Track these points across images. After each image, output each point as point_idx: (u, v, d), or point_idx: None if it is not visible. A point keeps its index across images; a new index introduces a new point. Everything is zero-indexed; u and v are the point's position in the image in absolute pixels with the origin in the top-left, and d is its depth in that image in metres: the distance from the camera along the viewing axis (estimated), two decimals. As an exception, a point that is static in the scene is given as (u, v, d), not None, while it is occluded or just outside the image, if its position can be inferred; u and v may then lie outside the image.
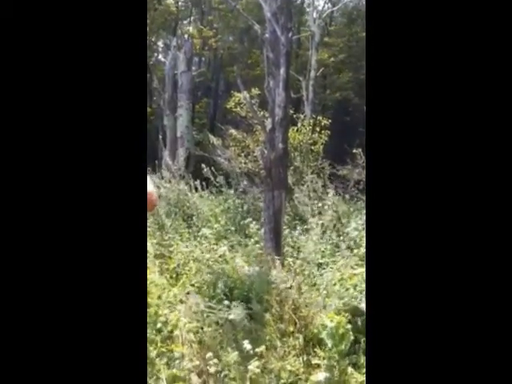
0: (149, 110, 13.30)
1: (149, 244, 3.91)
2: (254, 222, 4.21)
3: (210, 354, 2.01)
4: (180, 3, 14.55)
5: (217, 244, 4.14)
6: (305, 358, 2.46)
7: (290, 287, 2.67)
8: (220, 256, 3.38)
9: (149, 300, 2.38)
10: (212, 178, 6.66)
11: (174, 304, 2.56)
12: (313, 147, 6.49)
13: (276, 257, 3.49)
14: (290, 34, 3.88)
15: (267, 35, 3.90)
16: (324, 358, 2.20)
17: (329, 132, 6.79)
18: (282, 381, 2.27)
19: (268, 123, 4.07)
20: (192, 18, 15.16)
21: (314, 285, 3.28)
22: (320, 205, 4.84)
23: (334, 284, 3.02)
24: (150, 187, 1.33)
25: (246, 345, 2.14)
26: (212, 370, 1.92)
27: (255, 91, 6.51)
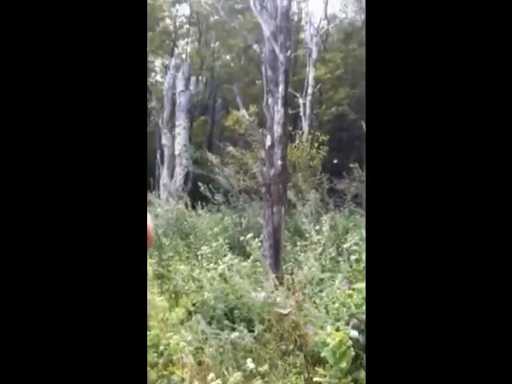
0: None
1: (147, 264, 3.88)
2: (254, 240, 4.19)
3: (212, 375, 1.97)
4: (177, 23, 14.78)
5: (216, 263, 4.11)
6: (306, 376, 2.42)
7: (288, 313, 2.64)
8: (220, 275, 3.35)
9: (150, 323, 2.35)
10: (210, 196, 6.65)
11: (175, 325, 2.52)
12: (311, 163, 6.51)
13: (275, 274, 3.46)
14: (289, 53, 3.93)
15: (266, 54, 3.95)
16: (325, 376, 2.16)
17: (327, 148, 6.82)
18: (284, 401, 2.23)
19: (267, 140, 4.09)
20: (189, 38, 15.37)
21: (314, 302, 3.25)
22: (319, 220, 4.83)
23: (334, 302, 2.99)
24: (148, 221, 1.27)
25: (250, 364, 2.10)
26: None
27: (253, 109, 6.56)
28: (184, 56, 14.13)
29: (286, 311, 2.59)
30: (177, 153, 9.32)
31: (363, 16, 13.29)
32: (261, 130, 4.80)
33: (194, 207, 6.81)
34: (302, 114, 8.99)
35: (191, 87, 10.98)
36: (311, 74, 9.23)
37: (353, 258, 3.89)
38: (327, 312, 2.74)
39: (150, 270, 4.06)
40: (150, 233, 1.29)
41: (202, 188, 6.63)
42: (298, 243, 4.47)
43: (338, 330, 2.38)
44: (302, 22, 13.45)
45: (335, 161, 6.93)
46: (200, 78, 15.51)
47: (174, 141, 9.51)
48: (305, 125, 8.63)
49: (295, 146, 6.58)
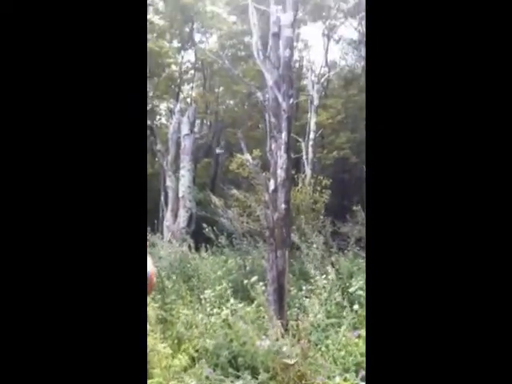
0: (151, 170, 13.57)
1: (150, 308, 3.84)
2: (258, 284, 4.16)
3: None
4: (183, 69, 15.28)
5: (219, 307, 4.06)
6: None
7: (294, 364, 2.60)
8: (223, 320, 3.32)
9: (153, 370, 2.31)
10: (214, 238, 6.65)
11: (178, 373, 2.48)
12: (314, 206, 6.57)
13: (280, 320, 3.42)
14: (291, 101, 4.05)
15: (269, 102, 4.08)
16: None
17: (330, 191, 6.89)
18: None
19: (270, 184, 4.15)
20: (194, 83, 15.85)
21: (320, 350, 3.20)
22: (324, 264, 4.81)
23: (339, 350, 2.94)
24: (150, 267, 1.25)
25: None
26: None
27: (256, 152, 6.69)
28: (189, 100, 14.52)
29: (291, 362, 2.55)
30: (181, 195, 9.42)
31: (363, 63, 13.74)
32: (264, 173, 4.87)
33: (197, 249, 6.80)
34: (304, 158, 9.15)
35: (195, 130, 11.22)
36: (313, 119, 9.49)
37: (357, 304, 3.85)
38: (334, 361, 2.69)
39: (152, 314, 4.01)
40: (152, 278, 1.29)
41: (206, 230, 6.64)
42: (303, 287, 4.43)
43: (345, 380, 2.33)
44: (304, 70, 13.92)
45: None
46: (204, 121, 15.87)
47: (178, 183, 9.63)
48: (307, 169, 8.78)
49: (298, 190, 6.66)
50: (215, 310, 3.87)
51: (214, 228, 6.71)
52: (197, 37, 14.88)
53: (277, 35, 4.20)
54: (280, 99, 4.03)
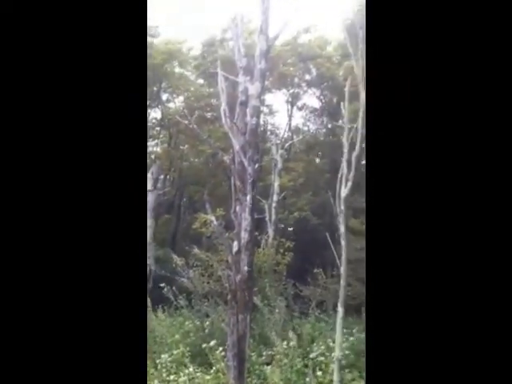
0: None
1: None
2: (217, 348, 4.04)
3: None
4: (148, 125, 15.45)
5: (176, 373, 3.90)
6: None
7: None
8: (181, 389, 3.18)
9: None
10: (173, 299, 6.46)
11: None
12: (276, 268, 6.57)
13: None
14: (256, 165, 4.18)
15: (235, 166, 4.19)
16: None
17: (292, 253, 6.95)
18: None
19: (234, 246, 4.16)
20: (159, 140, 16.01)
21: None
22: (285, 328, 4.75)
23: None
24: None
25: None
26: None
27: (220, 211, 6.73)
28: (153, 156, 14.58)
29: None
30: (139, 251, 9.17)
31: (324, 130, 14.44)
32: (227, 233, 4.88)
33: (154, 309, 6.56)
34: (267, 219, 9.26)
35: (159, 185, 11.15)
36: (276, 182, 9.74)
37: (319, 370, 3.81)
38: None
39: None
40: None
41: (165, 290, 6.46)
42: (264, 352, 4.34)
43: None
44: (268, 133, 14.44)
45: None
46: (168, 177, 15.86)
47: (137, 239, 9.40)
48: (270, 230, 8.86)
49: (260, 252, 6.67)
50: (172, 377, 3.72)
51: (173, 288, 6.54)
52: (164, 96, 15.25)
53: (244, 104, 4.40)
54: (246, 164, 4.14)
